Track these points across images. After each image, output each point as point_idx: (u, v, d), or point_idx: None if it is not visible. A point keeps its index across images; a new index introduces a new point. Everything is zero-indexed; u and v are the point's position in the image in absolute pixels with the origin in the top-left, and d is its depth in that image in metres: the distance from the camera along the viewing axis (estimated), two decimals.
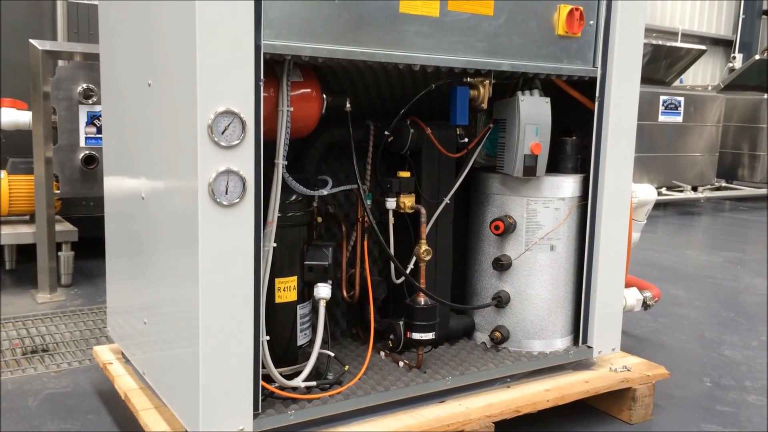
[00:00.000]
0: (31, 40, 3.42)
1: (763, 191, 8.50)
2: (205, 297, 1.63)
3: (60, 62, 3.89)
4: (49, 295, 3.58)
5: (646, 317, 3.54)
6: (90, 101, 3.75)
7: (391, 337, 2.20)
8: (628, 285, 2.83)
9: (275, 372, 1.84)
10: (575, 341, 2.38)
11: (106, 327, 2.50)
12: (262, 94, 1.65)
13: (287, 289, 1.92)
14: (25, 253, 4.04)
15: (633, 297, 2.83)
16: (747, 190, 8.53)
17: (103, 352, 2.42)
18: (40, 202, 3.54)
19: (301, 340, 1.98)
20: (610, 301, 2.36)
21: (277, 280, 1.89)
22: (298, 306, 1.95)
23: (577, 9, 2.11)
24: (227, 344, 1.68)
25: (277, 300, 1.91)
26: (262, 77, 1.64)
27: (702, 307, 3.84)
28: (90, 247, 3.90)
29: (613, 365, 2.38)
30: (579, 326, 2.35)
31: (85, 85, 3.72)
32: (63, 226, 3.84)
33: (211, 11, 1.56)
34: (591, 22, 2.17)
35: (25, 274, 3.96)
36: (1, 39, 4.17)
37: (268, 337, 1.79)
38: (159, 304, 1.92)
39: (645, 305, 2.89)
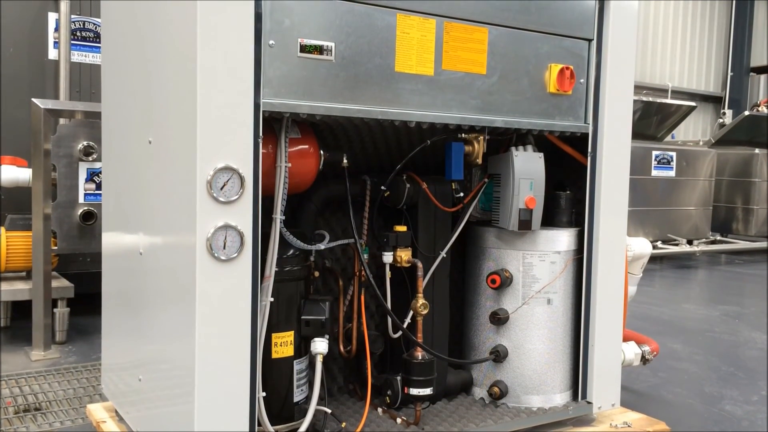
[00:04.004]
0: (33, 99, 3.49)
1: (757, 245, 8.53)
2: (201, 352, 1.62)
3: (61, 120, 3.95)
4: (43, 352, 3.54)
5: (645, 372, 3.51)
6: (90, 158, 3.79)
7: (389, 392, 2.18)
8: (626, 339, 2.82)
9: (271, 430, 1.81)
10: (574, 396, 2.35)
11: (101, 384, 2.47)
12: (260, 151, 1.68)
13: (284, 344, 1.91)
14: (20, 309, 4.01)
15: (631, 351, 2.81)
16: (742, 244, 8.56)
17: (97, 411, 2.38)
18: (37, 258, 3.54)
19: (298, 396, 1.96)
20: (609, 356, 2.35)
21: (273, 335, 1.89)
22: (294, 361, 1.94)
23: (567, 68, 2.17)
24: (223, 401, 1.66)
25: (274, 355, 1.90)
26: (261, 134, 1.67)
27: (701, 362, 3.82)
28: (85, 303, 3.88)
29: (613, 421, 2.35)
30: (578, 381, 2.34)
31: (85, 143, 3.77)
32: (59, 283, 3.83)
33: (212, 71, 1.60)
34: (581, 81, 2.23)
35: (20, 331, 3.92)
36: (3, 97, 4.24)
37: (264, 394, 1.78)
38: (155, 360, 1.91)
39: (644, 360, 2.87)
